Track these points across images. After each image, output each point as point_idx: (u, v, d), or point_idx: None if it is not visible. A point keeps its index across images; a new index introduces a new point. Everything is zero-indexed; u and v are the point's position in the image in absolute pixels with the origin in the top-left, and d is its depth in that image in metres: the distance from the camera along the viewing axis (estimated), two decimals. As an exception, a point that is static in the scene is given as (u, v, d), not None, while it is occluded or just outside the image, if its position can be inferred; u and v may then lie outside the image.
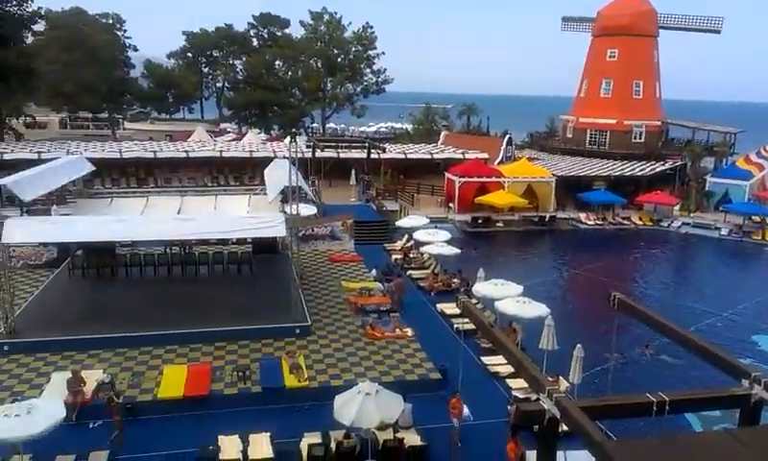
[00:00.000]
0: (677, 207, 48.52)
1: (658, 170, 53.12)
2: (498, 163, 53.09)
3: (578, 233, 45.05)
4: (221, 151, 49.64)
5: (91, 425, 15.67)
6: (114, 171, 45.99)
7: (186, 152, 48.25)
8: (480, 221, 43.81)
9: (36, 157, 41.56)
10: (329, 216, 34.78)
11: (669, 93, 64.53)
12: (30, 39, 62.92)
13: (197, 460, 14.06)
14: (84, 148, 46.87)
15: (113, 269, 25.65)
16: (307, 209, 32.14)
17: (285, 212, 21.70)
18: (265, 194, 24.70)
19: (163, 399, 16.47)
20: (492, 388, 18.11)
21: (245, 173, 48.74)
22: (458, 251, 28.23)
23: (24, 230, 19.31)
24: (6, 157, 42.00)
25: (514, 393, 17.44)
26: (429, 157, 53.29)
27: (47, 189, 22.58)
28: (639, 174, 52.11)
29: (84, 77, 66.99)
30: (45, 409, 12.95)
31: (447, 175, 47.10)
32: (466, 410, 15.73)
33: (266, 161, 34.20)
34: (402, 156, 52.22)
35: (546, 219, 45.39)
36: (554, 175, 48.20)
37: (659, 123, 60.31)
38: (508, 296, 20.61)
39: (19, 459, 13.12)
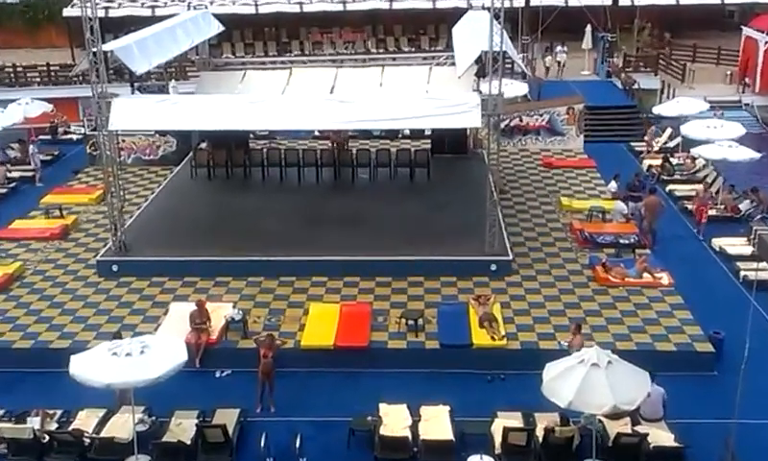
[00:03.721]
0: None
1: None
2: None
3: None
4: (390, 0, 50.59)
5: (218, 375, 17.72)
6: (248, 32, 49.44)
7: (343, 2, 49.96)
8: (799, 107, 40.41)
9: (149, 13, 45.60)
10: (547, 99, 34.11)
11: None
12: None
13: (351, 431, 15.29)
14: (209, 0, 50.57)
15: (246, 168, 28.12)
16: (515, 88, 31.81)
17: (481, 92, 21.66)
18: (452, 64, 24.78)
19: (308, 347, 18.01)
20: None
21: (423, 33, 49.27)
22: (756, 155, 26.56)
23: (137, 114, 21.53)
24: (112, 13, 46.64)
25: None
26: (718, 0, 49.66)
27: (164, 58, 24.74)
28: None
29: None
30: (162, 349, 14.79)
31: (746, 31, 43.73)
32: None
33: (455, 15, 34.10)
34: (672, 0, 49.30)
35: None
36: None
37: None
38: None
39: (130, 411, 14.94)
